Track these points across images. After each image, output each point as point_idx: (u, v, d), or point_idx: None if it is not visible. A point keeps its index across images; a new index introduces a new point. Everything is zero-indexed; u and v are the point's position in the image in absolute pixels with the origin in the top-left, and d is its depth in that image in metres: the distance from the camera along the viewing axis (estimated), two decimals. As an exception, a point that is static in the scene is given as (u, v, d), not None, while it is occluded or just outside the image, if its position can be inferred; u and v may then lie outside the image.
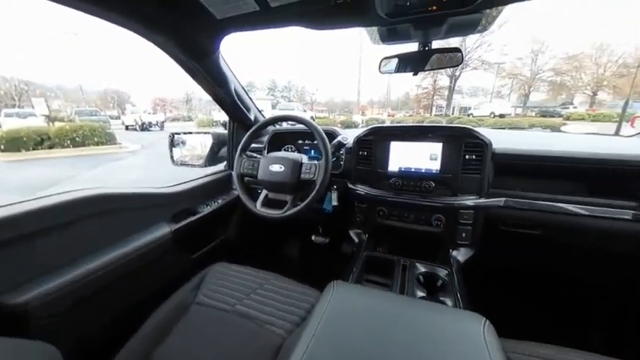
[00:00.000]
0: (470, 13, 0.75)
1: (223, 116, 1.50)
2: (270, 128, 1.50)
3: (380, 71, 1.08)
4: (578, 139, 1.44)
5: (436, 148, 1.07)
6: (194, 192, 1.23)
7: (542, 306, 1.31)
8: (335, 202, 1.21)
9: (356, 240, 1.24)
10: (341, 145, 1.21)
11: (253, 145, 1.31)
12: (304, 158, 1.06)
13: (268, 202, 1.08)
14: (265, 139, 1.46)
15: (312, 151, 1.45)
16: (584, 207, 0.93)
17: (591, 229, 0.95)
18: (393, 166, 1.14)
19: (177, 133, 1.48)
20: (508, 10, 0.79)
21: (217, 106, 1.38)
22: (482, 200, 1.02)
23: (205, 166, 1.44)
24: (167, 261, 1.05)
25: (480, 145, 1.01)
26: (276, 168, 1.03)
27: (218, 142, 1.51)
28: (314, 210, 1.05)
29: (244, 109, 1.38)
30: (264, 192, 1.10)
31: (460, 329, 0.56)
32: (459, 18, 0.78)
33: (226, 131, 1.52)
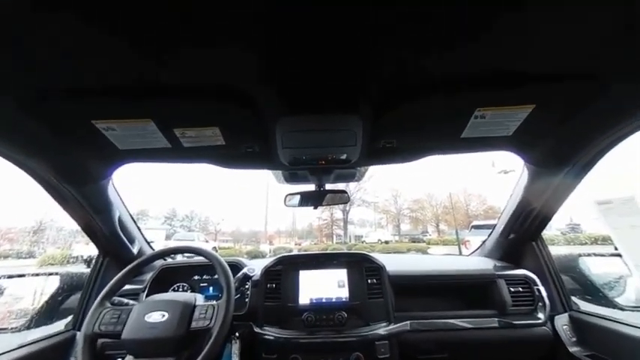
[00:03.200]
0: (348, 168, 1.05)
1: (90, 250, 1.17)
2: (159, 263, 1.23)
3: (285, 205, 1.22)
4: (442, 259, 1.83)
5: (342, 274, 1.12)
6: None
7: None
8: (236, 359, 0.93)
9: None
10: (247, 277, 1.08)
11: (129, 287, 0.99)
12: (199, 299, 0.86)
13: None
14: (148, 277, 1.16)
15: (211, 289, 1.22)
16: (466, 320, 1.07)
17: (475, 342, 1.06)
18: (304, 297, 1.07)
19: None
20: (372, 168, 1.15)
21: (84, 238, 1.09)
22: (391, 327, 1.03)
23: (29, 327, 0.94)
24: None
25: (377, 268, 1.14)
26: (156, 317, 0.77)
27: (68, 287, 1.09)
28: None
29: (126, 241, 1.14)
30: (129, 359, 0.75)
31: None
32: (341, 171, 1.08)
33: (88, 270, 1.15)
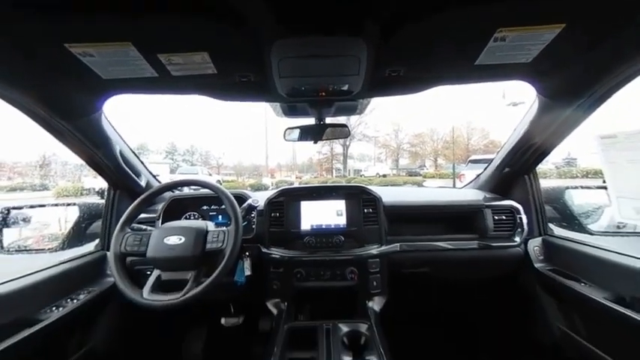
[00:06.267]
0: (349, 100, 0.99)
1: (100, 183, 1.23)
2: (168, 194, 1.30)
3: (285, 139, 1.20)
4: (435, 191, 1.94)
5: (340, 204, 1.20)
6: (31, 290, 0.85)
7: (445, 340, 1.52)
8: (248, 272, 1.09)
9: (275, 311, 1.12)
10: (252, 208, 1.17)
11: (143, 215, 1.08)
12: (210, 225, 0.95)
13: (161, 285, 0.87)
14: (160, 207, 1.25)
15: (220, 217, 1.33)
16: (449, 242, 1.20)
17: (454, 260, 1.22)
18: (306, 224, 1.18)
19: (16, 208, 1.08)
20: (374, 100, 1.09)
21: (92, 172, 1.12)
22: (383, 248, 1.17)
23: (62, 248, 1.07)
24: None
25: (373, 199, 1.21)
26: (174, 240, 0.87)
27: (88, 216, 1.18)
28: (223, 286, 0.90)
29: (132, 175, 1.18)
30: (156, 273, 0.88)
31: None
32: (342, 103, 1.02)
33: (102, 201, 1.23)
